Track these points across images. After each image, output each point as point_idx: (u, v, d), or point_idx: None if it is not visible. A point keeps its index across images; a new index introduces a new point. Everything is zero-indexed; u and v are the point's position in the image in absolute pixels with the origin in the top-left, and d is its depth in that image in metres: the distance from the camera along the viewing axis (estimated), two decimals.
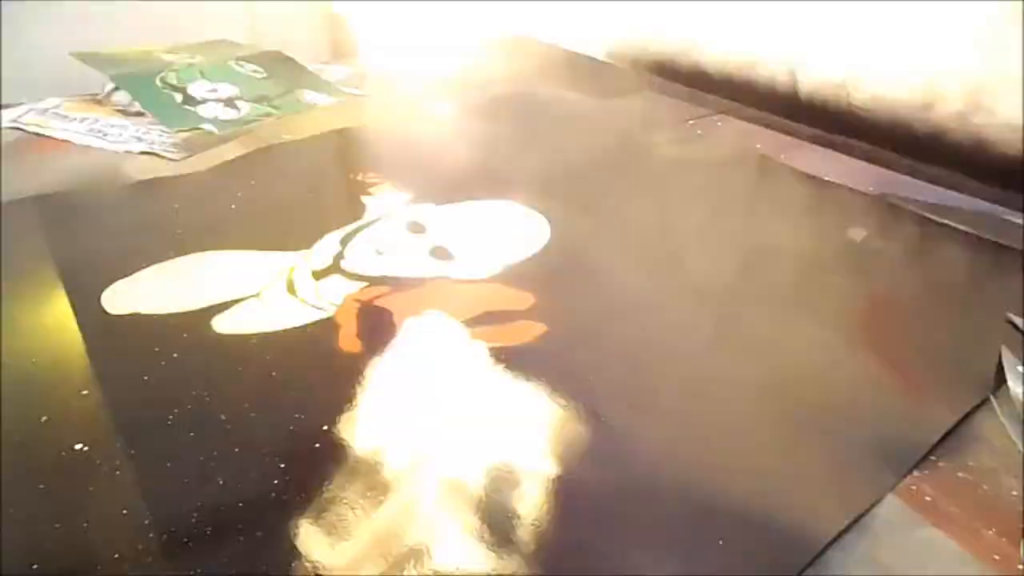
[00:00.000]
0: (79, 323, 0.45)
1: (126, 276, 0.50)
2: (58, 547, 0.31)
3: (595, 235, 0.57)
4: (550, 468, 0.35)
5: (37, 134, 0.74)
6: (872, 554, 0.32)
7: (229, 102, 0.82)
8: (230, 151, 0.72)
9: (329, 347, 0.44)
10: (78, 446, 0.36)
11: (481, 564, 0.31)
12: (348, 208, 0.61)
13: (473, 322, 0.46)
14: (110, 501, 0.33)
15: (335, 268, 0.52)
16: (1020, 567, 0.31)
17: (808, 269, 0.54)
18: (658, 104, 0.89)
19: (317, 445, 0.37)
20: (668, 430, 0.38)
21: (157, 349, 0.43)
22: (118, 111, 0.80)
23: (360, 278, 0.51)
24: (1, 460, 0.35)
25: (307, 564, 0.30)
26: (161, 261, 0.52)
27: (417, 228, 0.58)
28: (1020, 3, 0.66)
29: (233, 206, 0.61)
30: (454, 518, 0.33)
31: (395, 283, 0.51)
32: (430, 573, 0.30)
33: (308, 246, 0.55)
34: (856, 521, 0.33)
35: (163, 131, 0.75)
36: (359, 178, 0.67)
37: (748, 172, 0.71)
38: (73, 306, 0.47)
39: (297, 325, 0.46)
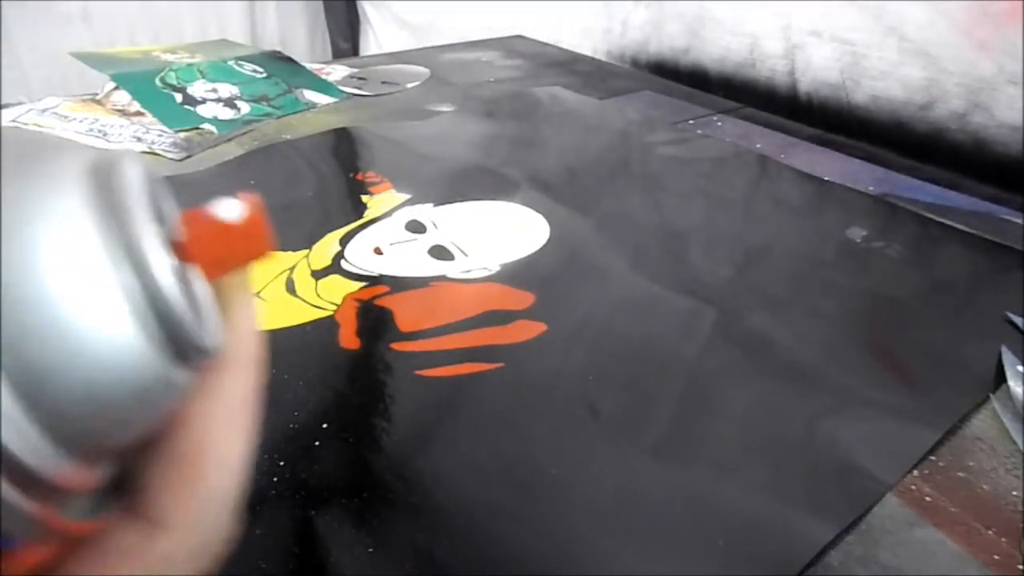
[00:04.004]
0: None
1: None
2: None
3: (595, 234, 0.57)
4: (549, 467, 0.35)
5: None
6: (872, 554, 0.32)
7: (229, 102, 0.82)
8: (230, 151, 0.72)
9: (329, 346, 0.44)
10: None
11: (480, 564, 0.31)
12: (348, 208, 0.61)
13: (473, 322, 0.47)
14: None
15: (335, 267, 0.52)
16: (1020, 567, 0.31)
17: (807, 268, 0.54)
18: (658, 104, 0.89)
19: (316, 443, 0.37)
20: (668, 429, 0.38)
21: None
22: (118, 111, 0.80)
23: (360, 277, 0.51)
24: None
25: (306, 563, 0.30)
26: None
27: (416, 227, 0.58)
28: (1020, 2, 0.66)
29: None
30: (452, 518, 0.33)
31: (394, 282, 0.51)
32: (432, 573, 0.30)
33: (308, 246, 0.55)
34: (856, 521, 0.33)
35: (163, 131, 0.75)
36: (359, 178, 0.67)
37: (748, 172, 0.71)
38: None
39: (297, 324, 0.46)
